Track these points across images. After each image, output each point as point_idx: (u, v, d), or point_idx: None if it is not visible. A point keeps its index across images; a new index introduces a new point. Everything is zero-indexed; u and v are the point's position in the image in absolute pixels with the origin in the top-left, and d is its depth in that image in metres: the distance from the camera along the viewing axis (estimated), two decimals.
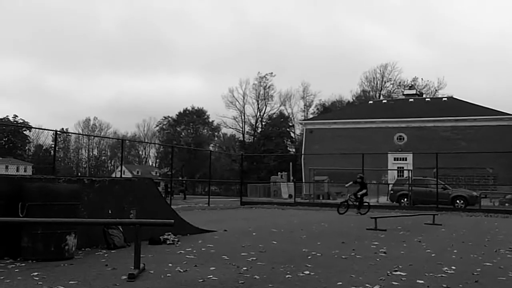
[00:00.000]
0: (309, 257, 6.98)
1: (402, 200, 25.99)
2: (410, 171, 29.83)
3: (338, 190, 33.59)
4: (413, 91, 56.04)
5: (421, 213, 16.90)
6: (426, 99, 53.13)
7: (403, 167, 38.76)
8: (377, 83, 76.30)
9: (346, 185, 20.84)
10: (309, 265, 6.20)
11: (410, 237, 10.09)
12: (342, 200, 20.67)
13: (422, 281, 5.30)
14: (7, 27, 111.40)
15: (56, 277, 5.21)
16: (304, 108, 79.72)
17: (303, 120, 63.59)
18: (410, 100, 50.17)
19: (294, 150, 74.37)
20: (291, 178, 42.95)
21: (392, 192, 27.47)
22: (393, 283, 5.22)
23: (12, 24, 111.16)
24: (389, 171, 38.83)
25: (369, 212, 17.81)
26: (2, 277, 5.14)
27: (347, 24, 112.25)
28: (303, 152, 46.92)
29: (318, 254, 7.25)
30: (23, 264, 5.97)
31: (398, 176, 35.91)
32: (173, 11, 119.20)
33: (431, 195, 24.53)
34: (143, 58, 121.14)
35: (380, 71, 75.37)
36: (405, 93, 56.21)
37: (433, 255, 7.53)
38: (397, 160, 41.69)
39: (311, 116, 71.74)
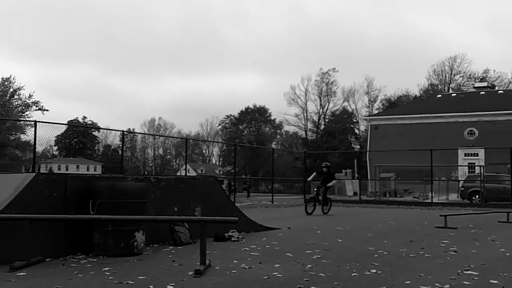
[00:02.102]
0: (376, 255, 6.82)
1: (473, 197, 24.96)
2: (482, 167, 28.56)
3: (405, 188, 32.76)
4: (485, 84, 53.52)
5: (494, 210, 16.13)
6: (499, 92, 50.74)
7: (474, 163, 37.27)
8: (445, 76, 73.65)
9: (309, 179, 18.05)
10: (376, 264, 6.05)
11: (483, 236, 9.65)
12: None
13: (496, 281, 5.05)
14: (76, 33, 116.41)
15: (126, 272, 5.37)
16: (369, 103, 78.31)
17: (367, 116, 62.42)
18: (482, 93, 48.03)
19: (358, 146, 73.21)
20: (356, 175, 42.27)
21: (462, 189, 26.44)
22: (465, 282, 5.00)
23: (80, 30, 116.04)
24: (459, 167, 37.38)
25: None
26: (75, 272, 5.35)
27: (411, 15, 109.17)
28: (368, 149, 46.05)
29: (385, 253, 7.07)
30: (94, 260, 6.20)
31: (469, 172, 34.55)
32: (232, 10, 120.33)
33: (505, 192, 23.37)
34: (204, 58, 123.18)
35: (449, 63, 72.64)
36: (476, 85, 53.75)
37: (507, 254, 7.16)
38: (468, 155, 40.10)
39: (376, 111, 70.24)
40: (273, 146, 78.19)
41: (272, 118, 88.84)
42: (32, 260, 5.72)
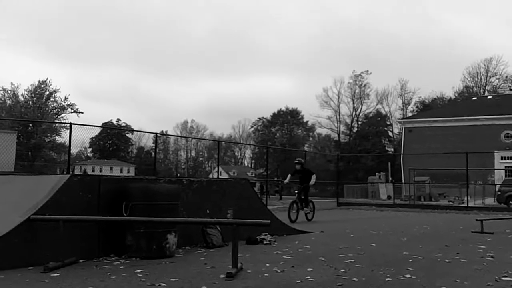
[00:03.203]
0: (410, 260, 6.67)
1: (510, 202, 24.28)
2: None
3: (440, 191, 32.12)
4: None
5: None
6: None
7: (511, 167, 36.30)
8: (481, 78, 72.04)
9: (286, 181, 15.65)
10: (410, 269, 5.91)
11: None
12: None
13: None
14: (110, 36, 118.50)
15: (158, 274, 5.38)
16: (403, 106, 77.28)
17: (401, 118, 61.58)
18: None
19: (392, 149, 72.24)
20: (390, 178, 41.70)
21: (499, 193, 25.75)
22: None
23: (114, 33, 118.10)
24: (495, 171, 36.47)
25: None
26: (108, 273, 5.39)
27: (445, 17, 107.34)
28: (402, 152, 45.42)
29: (419, 258, 6.90)
30: (127, 261, 6.23)
31: (506, 176, 33.66)
32: (264, 13, 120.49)
33: None
34: (237, 61, 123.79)
35: (484, 65, 71.04)
36: None
37: None
38: (505, 159, 39.10)
39: (410, 114, 69.23)
40: (306, 148, 77.98)
41: (305, 120, 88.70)
42: (66, 261, 5.79)
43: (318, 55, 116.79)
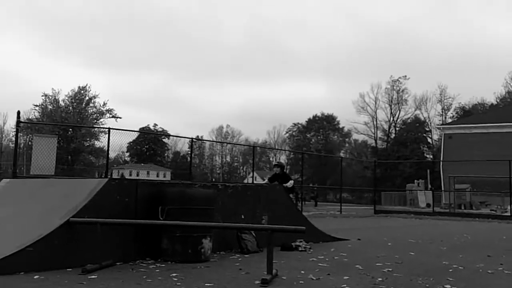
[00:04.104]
0: (450, 270, 6.48)
1: None
2: None
3: (481, 200, 31.27)
4: None
5: None
6: None
7: None
8: None
9: (264, 181, 13.99)
10: (450, 279, 5.74)
11: None
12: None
13: None
14: (146, 42, 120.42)
15: (193, 278, 5.38)
16: (442, 112, 75.78)
17: (441, 124, 60.38)
18: None
19: (431, 156, 70.83)
20: (429, 186, 40.88)
21: None
22: None
23: (150, 39, 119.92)
24: None
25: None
26: (144, 277, 5.42)
27: (484, 21, 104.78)
28: (441, 159, 44.43)
29: (460, 268, 6.70)
30: (163, 265, 6.27)
31: None
32: (299, 18, 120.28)
33: None
34: (272, 67, 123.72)
35: None
36: None
37: None
38: None
39: (449, 120, 67.80)
40: (342, 154, 77.14)
41: (341, 126, 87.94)
42: (103, 263, 5.86)
43: (354, 60, 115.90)
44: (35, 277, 5.17)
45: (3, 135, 79.98)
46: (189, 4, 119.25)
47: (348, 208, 29.98)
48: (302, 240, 8.38)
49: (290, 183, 12.69)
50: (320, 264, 6.72)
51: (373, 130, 78.82)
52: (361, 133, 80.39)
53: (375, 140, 78.97)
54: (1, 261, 5.23)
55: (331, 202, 50.49)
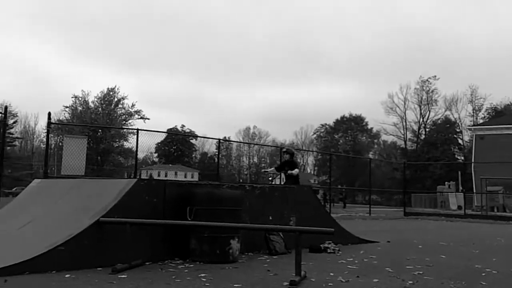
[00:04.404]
0: (483, 273, 6.32)
1: None
2: None
3: None
4: None
5: None
6: None
7: None
8: None
9: (269, 170, 13.13)
10: (483, 283, 5.60)
11: None
12: None
13: None
14: (173, 43, 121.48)
15: (221, 279, 5.38)
16: (473, 112, 74.38)
17: (472, 125, 59.24)
18: None
19: (462, 157, 69.55)
20: (460, 188, 40.17)
21: None
22: None
23: (177, 40, 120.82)
24: None
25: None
26: (173, 277, 5.44)
27: None
28: (473, 160, 43.60)
29: (493, 271, 6.53)
30: (191, 265, 6.28)
31: None
32: (325, 18, 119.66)
33: None
34: (298, 67, 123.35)
35: None
36: None
37: None
38: None
39: (481, 121, 66.49)
40: (370, 156, 76.51)
41: (369, 127, 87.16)
42: (133, 263, 5.91)
43: (383, 59, 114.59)
44: (66, 276, 5.24)
45: (35, 136, 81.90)
46: (216, 4, 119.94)
47: (377, 210, 29.65)
48: (330, 242, 8.30)
49: (295, 171, 12.04)
50: (349, 266, 6.64)
51: (402, 131, 77.97)
52: (390, 134, 79.59)
53: (405, 141, 78.02)
54: (34, 260, 5.32)
55: (360, 203, 50.13)
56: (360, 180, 65.08)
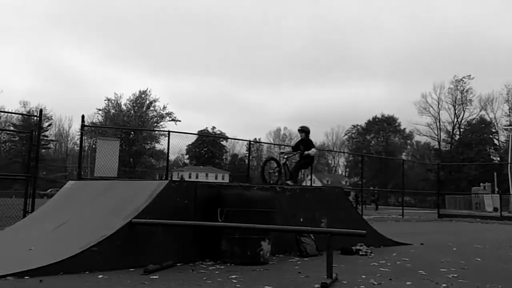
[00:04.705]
0: None
1: None
2: None
3: None
4: None
5: None
6: None
7: None
8: None
9: (285, 151, 11.61)
10: None
11: None
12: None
13: None
14: (204, 45, 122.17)
15: (252, 281, 5.37)
16: (509, 112, 72.39)
17: (508, 125, 57.74)
18: None
19: (498, 158, 67.83)
20: (496, 189, 39.19)
21: None
22: None
23: (208, 43, 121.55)
24: None
25: None
26: (204, 278, 5.46)
27: None
28: (509, 161, 42.50)
29: None
30: (222, 267, 6.30)
31: None
32: (357, 18, 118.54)
33: None
34: (329, 67, 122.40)
35: None
36: None
37: None
38: None
39: None
40: (403, 157, 75.35)
41: (402, 128, 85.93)
42: (164, 264, 5.95)
43: (415, 59, 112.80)
44: (99, 276, 5.32)
45: (69, 139, 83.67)
46: (246, 5, 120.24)
47: (411, 212, 29.20)
48: (362, 244, 8.21)
49: (312, 151, 10.76)
50: (381, 268, 6.54)
51: (436, 132, 76.55)
52: (424, 135, 78.21)
53: (439, 142, 76.59)
54: (68, 260, 5.42)
55: (393, 205, 49.44)
56: (393, 182, 64.19)
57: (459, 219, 23.22)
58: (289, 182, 10.37)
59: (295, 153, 10.70)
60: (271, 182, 10.20)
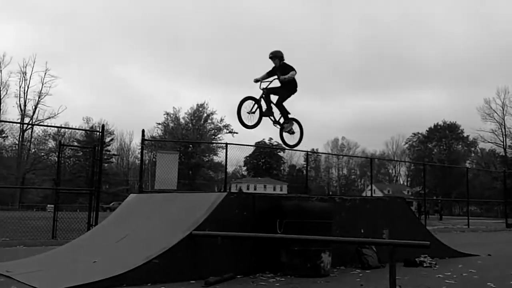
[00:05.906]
0: None
1: None
2: None
3: None
4: None
5: None
6: None
7: None
8: None
9: (258, 78, 8.89)
10: None
11: None
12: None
13: None
14: (257, 56, 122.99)
15: None
16: None
17: None
18: None
19: None
20: None
21: None
22: None
23: (260, 53, 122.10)
24: None
25: None
26: None
27: None
28: None
29: None
30: (282, 279, 6.24)
31: None
32: (414, 24, 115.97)
33: None
34: (387, 75, 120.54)
35: None
36: None
37: None
38: None
39: None
40: (467, 165, 72.74)
41: (465, 135, 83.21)
42: (225, 276, 5.96)
43: (477, 63, 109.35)
44: None
45: (130, 153, 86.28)
46: (297, 12, 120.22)
47: (476, 222, 28.08)
48: (426, 255, 7.94)
49: (291, 74, 8.69)
50: (447, 281, 6.30)
51: (501, 138, 73.60)
52: (488, 142, 75.37)
53: (504, 149, 73.53)
54: (131, 272, 5.52)
55: (457, 215, 47.76)
56: (457, 191, 61.98)
57: None
58: (285, 125, 9.17)
59: (270, 80, 8.89)
60: (252, 125, 8.80)
